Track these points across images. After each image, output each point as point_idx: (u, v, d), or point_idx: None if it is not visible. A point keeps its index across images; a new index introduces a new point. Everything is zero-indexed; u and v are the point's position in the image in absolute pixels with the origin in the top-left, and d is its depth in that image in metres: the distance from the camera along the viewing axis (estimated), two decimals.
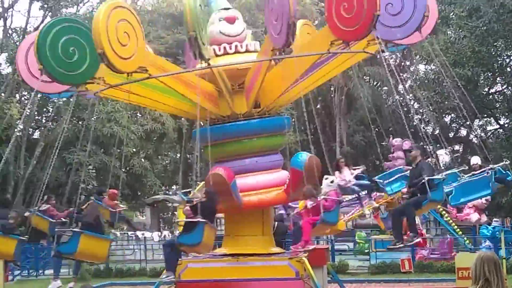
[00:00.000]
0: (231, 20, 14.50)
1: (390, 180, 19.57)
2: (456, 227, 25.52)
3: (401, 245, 13.55)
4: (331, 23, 11.92)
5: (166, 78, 13.20)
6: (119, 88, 13.37)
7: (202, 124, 13.98)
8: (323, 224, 14.00)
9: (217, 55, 14.20)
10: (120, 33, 11.72)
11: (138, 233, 36.80)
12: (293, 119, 38.20)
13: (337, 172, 17.40)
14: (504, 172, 18.31)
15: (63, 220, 18.89)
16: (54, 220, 18.71)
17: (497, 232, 22.35)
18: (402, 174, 21.40)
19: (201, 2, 12.46)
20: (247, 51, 14.37)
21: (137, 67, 12.20)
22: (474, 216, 22.38)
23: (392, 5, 12.12)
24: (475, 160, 20.32)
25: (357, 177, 18.81)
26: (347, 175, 17.11)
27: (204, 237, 12.91)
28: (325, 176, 14.10)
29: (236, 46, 14.28)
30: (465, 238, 24.95)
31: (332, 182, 14.10)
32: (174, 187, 50.59)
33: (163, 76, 13.07)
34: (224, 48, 14.30)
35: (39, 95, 31.72)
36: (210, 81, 13.88)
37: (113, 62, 11.63)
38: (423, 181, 12.88)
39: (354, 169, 17.61)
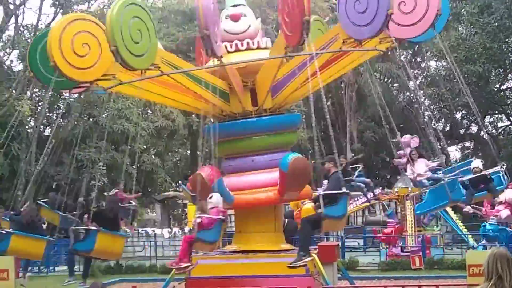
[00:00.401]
0: (235, 18, 14.52)
1: None
2: (461, 224, 25.45)
3: (308, 259, 12.33)
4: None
5: (178, 76, 13.22)
6: (131, 85, 13.42)
7: (213, 121, 14.01)
8: (199, 243, 13.57)
9: (229, 52, 14.21)
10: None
11: (149, 229, 36.84)
12: (304, 116, 38.22)
13: (409, 165, 17.29)
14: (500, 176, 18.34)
15: (72, 215, 18.98)
16: (64, 214, 18.81)
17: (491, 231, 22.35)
18: None
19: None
20: (258, 47, 14.38)
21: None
22: (504, 213, 22.17)
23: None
24: (476, 163, 20.16)
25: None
26: (420, 168, 16.90)
27: (96, 244, 13.16)
28: (210, 195, 13.49)
29: (248, 43, 14.29)
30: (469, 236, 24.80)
31: (211, 198, 13.48)
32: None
33: (175, 73, 13.11)
34: (236, 45, 14.31)
35: (50, 92, 31.87)
36: (221, 78, 13.89)
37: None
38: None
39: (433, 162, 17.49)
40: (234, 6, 14.76)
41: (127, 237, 17.76)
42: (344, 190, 11.67)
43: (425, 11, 12.10)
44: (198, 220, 13.54)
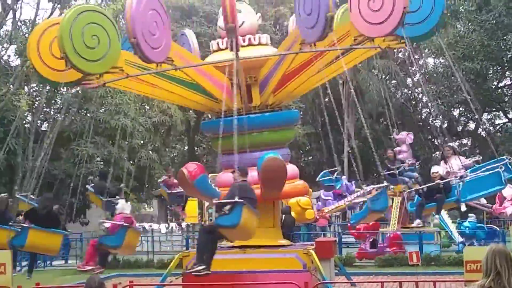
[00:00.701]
0: None
1: None
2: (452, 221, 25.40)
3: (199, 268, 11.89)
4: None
5: (188, 70, 13.25)
6: (135, 79, 13.45)
7: (210, 117, 14.02)
8: (103, 246, 13.56)
9: (227, 48, 14.23)
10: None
11: (145, 224, 36.85)
12: (301, 112, 38.25)
13: (442, 162, 17.38)
14: None
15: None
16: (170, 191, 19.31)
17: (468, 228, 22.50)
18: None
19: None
20: (259, 44, 14.39)
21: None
22: (510, 210, 22.16)
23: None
24: (436, 169, 20.26)
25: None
26: (455, 165, 16.92)
27: (27, 240, 14.04)
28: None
29: (249, 39, 14.29)
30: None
31: (117, 204, 13.58)
32: None
33: (186, 68, 13.15)
34: (249, 39, 14.31)
35: (47, 87, 31.83)
36: (224, 73, 13.93)
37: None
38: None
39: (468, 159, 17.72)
40: None
41: (65, 234, 17.66)
42: (237, 199, 11.64)
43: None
44: (107, 225, 13.62)
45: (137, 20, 11.51)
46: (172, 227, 36.78)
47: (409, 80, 45.36)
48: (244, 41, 14.25)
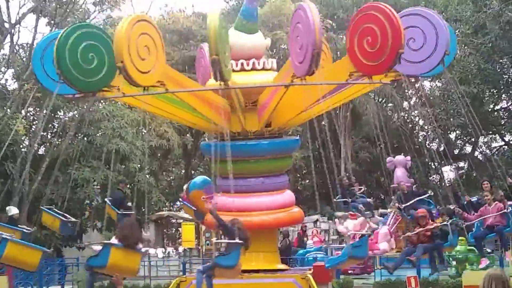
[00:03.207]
0: None
1: None
2: None
3: None
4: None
5: (182, 93, 13.26)
6: (134, 98, 13.46)
7: (207, 140, 14.01)
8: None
9: (234, 71, 14.22)
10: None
11: (142, 249, 36.70)
12: (299, 135, 38.23)
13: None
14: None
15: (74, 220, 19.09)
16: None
17: None
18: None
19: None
20: (263, 68, 14.37)
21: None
22: (383, 246, 22.62)
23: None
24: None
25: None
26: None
27: None
28: None
29: (253, 63, 14.28)
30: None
31: None
32: (178, 203, 50.50)
33: (179, 92, 13.14)
34: (242, 64, 14.30)
35: (44, 111, 31.82)
36: (224, 96, 13.92)
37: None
38: None
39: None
40: None
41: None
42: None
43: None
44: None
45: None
46: (169, 252, 36.61)
47: (405, 103, 45.46)
48: (248, 65, 14.26)
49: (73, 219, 19.17)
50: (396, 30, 11.32)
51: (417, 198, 22.61)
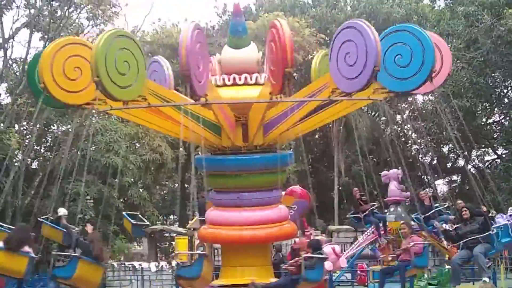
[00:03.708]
0: None
1: None
2: None
3: None
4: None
5: (169, 108, 13.26)
6: (124, 111, 13.52)
7: (199, 153, 14.02)
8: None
9: (226, 85, 14.26)
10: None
11: (135, 263, 36.57)
12: (292, 149, 38.29)
13: None
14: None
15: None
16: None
17: None
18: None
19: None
20: (256, 83, 14.35)
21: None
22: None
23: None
24: None
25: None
26: None
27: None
28: None
29: (245, 78, 14.29)
30: None
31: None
32: (171, 217, 50.45)
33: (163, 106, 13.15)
34: (234, 79, 14.31)
35: (37, 125, 31.80)
36: (233, 110, 13.98)
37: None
38: None
39: None
40: None
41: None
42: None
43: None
44: None
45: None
46: (162, 266, 36.50)
47: (398, 117, 45.60)
48: (240, 79, 14.27)
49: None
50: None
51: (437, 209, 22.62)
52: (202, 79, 12.27)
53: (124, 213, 20.56)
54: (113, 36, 11.82)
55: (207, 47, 12.56)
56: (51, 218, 19.77)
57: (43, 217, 20.50)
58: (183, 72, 11.87)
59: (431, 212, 22.25)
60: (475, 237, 16.61)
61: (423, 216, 21.94)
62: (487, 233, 16.42)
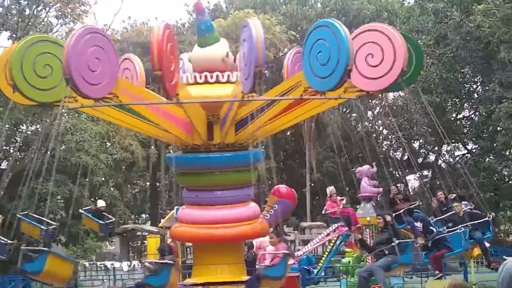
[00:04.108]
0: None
1: None
2: None
3: None
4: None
5: (140, 106, 13.15)
6: (94, 109, 13.40)
7: (171, 151, 13.94)
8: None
9: (197, 83, 14.17)
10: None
11: (108, 263, 36.40)
12: (263, 147, 38.25)
13: None
14: None
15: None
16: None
17: None
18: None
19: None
20: (228, 81, 14.30)
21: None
22: None
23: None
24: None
25: None
26: None
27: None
28: None
29: (217, 76, 14.22)
30: None
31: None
32: (143, 215, 50.35)
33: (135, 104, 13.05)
34: (205, 76, 14.23)
35: (7, 126, 31.50)
36: (205, 108, 13.90)
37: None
38: None
39: None
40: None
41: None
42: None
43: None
44: None
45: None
46: (134, 265, 36.37)
47: (369, 113, 45.82)
48: (212, 77, 14.20)
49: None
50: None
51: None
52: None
53: (82, 210, 19.90)
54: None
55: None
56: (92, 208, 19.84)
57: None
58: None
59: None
60: (381, 248, 16.52)
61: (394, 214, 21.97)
62: (390, 245, 16.30)
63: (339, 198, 25.89)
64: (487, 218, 17.88)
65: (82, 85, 11.54)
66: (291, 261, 23.63)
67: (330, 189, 26.26)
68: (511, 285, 4.68)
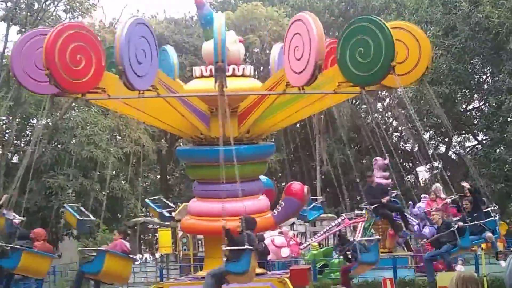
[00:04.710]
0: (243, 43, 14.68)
1: None
2: None
3: None
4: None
5: (170, 98, 13.21)
6: (119, 101, 13.43)
7: (181, 145, 13.99)
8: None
9: (203, 76, 14.25)
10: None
11: None
12: (273, 139, 38.31)
13: None
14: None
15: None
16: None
17: None
18: None
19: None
20: (243, 75, 14.41)
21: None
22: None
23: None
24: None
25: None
26: None
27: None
28: None
29: (233, 69, 14.28)
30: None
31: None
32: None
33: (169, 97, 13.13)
34: (233, 69, 14.29)
35: (17, 119, 31.65)
36: (205, 101, 13.94)
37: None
38: None
39: None
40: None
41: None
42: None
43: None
44: None
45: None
46: (146, 258, 36.51)
47: (379, 105, 45.73)
48: (228, 70, 14.25)
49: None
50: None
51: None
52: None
53: (66, 205, 19.66)
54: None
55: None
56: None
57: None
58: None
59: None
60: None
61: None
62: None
63: (443, 196, 23.18)
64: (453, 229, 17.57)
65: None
66: (283, 254, 23.83)
67: (436, 186, 24.97)
68: None
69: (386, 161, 25.68)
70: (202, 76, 14.39)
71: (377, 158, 26.43)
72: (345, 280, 17.12)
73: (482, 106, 43.79)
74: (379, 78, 11.77)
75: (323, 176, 43.32)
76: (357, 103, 45.66)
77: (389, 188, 23.52)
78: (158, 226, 34.73)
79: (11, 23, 32.22)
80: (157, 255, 33.79)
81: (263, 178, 15.43)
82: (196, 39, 38.98)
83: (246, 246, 12.05)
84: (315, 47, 11.46)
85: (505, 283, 4.79)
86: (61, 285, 26.72)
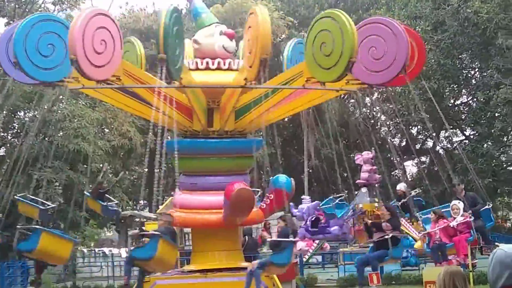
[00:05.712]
0: (231, 36, 14.51)
1: None
2: None
3: None
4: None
5: (141, 90, 13.14)
6: (96, 91, 13.35)
7: (170, 138, 13.95)
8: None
9: (198, 69, 14.17)
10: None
11: (106, 249, 36.49)
12: (261, 134, 38.22)
13: None
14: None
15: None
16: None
17: None
18: None
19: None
20: (229, 68, 14.30)
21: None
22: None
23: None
24: (400, 186, 20.44)
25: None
26: None
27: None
28: None
29: (218, 63, 14.22)
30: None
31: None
32: (141, 202, 50.30)
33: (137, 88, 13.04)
34: (207, 63, 14.23)
35: (4, 112, 31.40)
36: (205, 94, 13.92)
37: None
38: None
39: None
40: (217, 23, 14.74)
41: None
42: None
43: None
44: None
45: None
46: None
47: (367, 99, 45.72)
48: (213, 64, 14.19)
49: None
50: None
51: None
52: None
53: (17, 196, 19.72)
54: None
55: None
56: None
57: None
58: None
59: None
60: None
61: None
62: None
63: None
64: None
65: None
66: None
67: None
68: (501, 273, 4.69)
69: (372, 155, 25.74)
70: (197, 69, 14.32)
71: (361, 153, 26.56)
72: None
73: (470, 101, 43.92)
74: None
75: (310, 170, 43.34)
76: (345, 97, 45.63)
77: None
78: (145, 220, 34.67)
79: None
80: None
81: (282, 177, 15.26)
82: (185, 32, 38.84)
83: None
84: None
85: (488, 279, 4.78)
86: (47, 280, 26.62)
